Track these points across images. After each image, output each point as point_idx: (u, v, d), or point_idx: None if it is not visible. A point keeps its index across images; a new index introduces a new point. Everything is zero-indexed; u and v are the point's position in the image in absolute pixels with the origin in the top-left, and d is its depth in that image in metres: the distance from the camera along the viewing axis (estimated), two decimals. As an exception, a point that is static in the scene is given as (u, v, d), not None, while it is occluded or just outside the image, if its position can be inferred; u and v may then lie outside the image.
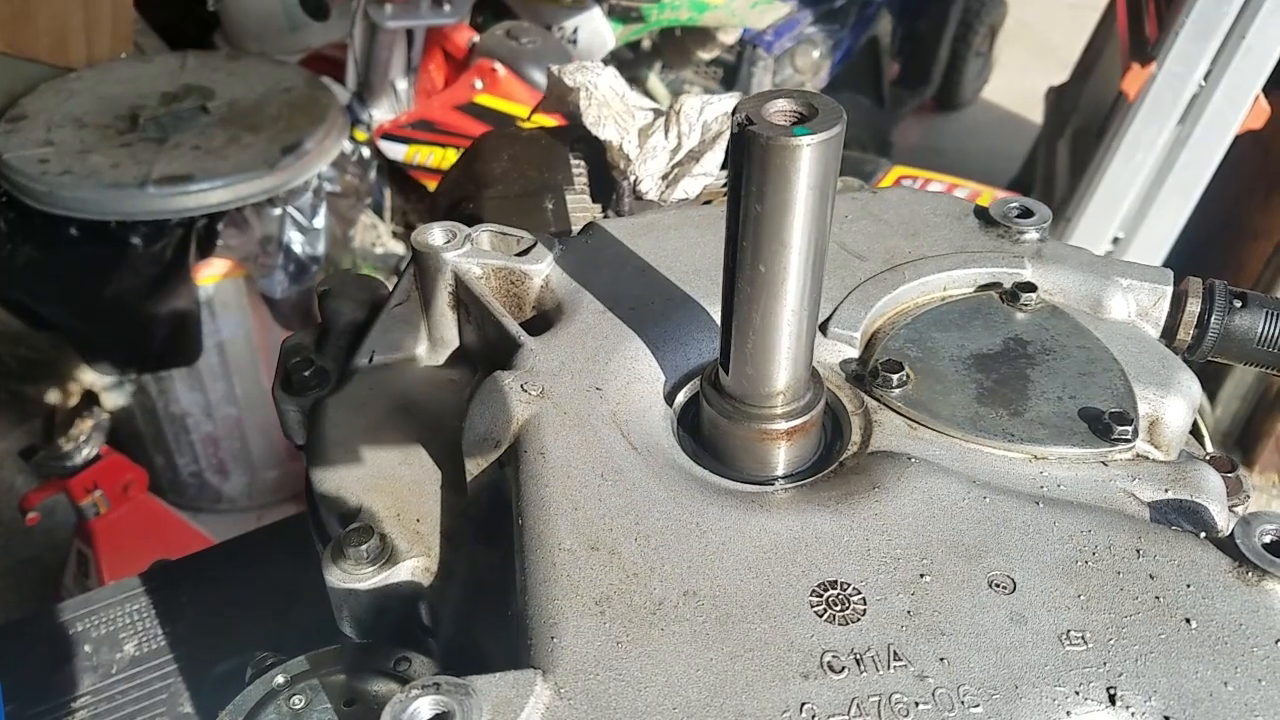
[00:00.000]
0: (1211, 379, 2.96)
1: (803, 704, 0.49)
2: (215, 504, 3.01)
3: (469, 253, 0.79)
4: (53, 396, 3.29)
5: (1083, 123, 3.35)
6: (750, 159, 0.53)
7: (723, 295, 0.61)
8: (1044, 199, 0.74)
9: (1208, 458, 0.70)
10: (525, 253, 0.80)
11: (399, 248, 3.21)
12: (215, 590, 1.36)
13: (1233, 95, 2.51)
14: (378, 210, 3.15)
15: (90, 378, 3.14)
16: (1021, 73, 4.75)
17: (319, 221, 2.71)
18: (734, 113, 0.54)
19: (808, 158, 0.52)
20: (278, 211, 2.62)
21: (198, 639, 1.29)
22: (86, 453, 2.63)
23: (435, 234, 0.80)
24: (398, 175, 3.06)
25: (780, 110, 0.54)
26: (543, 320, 0.79)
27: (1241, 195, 2.88)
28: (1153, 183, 2.69)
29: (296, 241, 2.69)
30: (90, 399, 3.05)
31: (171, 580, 1.38)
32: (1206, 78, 2.52)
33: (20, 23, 2.91)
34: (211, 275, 2.59)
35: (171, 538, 2.68)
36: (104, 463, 2.64)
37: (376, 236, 3.21)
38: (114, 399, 2.99)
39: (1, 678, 1.26)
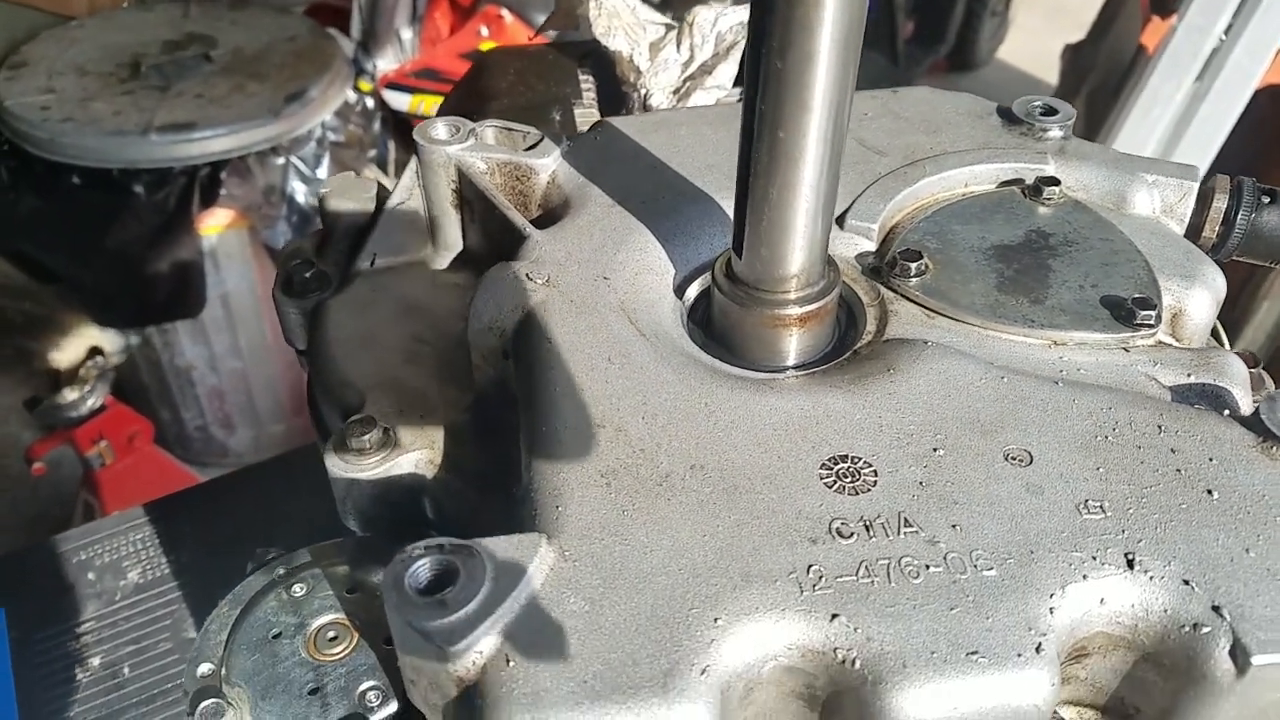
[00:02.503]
0: (1231, 329, 2.93)
1: (809, 566, 0.48)
2: (221, 458, 3.01)
3: (473, 147, 0.77)
4: (57, 352, 3.29)
5: (1099, 81, 3.29)
6: (772, 9, 0.51)
7: (738, 168, 0.59)
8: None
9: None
10: (532, 148, 0.78)
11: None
12: (217, 520, 1.36)
13: (1253, 49, 2.47)
14: (381, 163, 3.12)
15: (94, 331, 3.13)
16: (1036, 32, 4.67)
17: (322, 172, 2.69)
18: (753, -37, 0.52)
19: (832, 5, 0.50)
20: (281, 161, 2.59)
21: (200, 567, 1.30)
22: (91, 403, 2.63)
23: (439, 128, 0.78)
24: (402, 127, 3.02)
25: (800, -41, 0.51)
26: (549, 218, 0.77)
27: (1260, 151, 2.83)
28: (1171, 137, 2.65)
29: (300, 191, 2.66)
30: (94, 351, 3.05)
31: (174, 510, 1.38)
32: (1228, 31, 2.47)
33: (21, -30, 2.88)
34: (215, 225, 2.58)
35: (177, 489, 2.68)
36: (109, 413, 2.64)
37: (381, 190, 3.18)
38: (118, 352, 2.98)
39: (4, 604, 1.27)
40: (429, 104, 2.76)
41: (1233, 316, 2.90)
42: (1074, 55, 3.58)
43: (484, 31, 2.69)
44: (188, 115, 2.49)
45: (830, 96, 0.54)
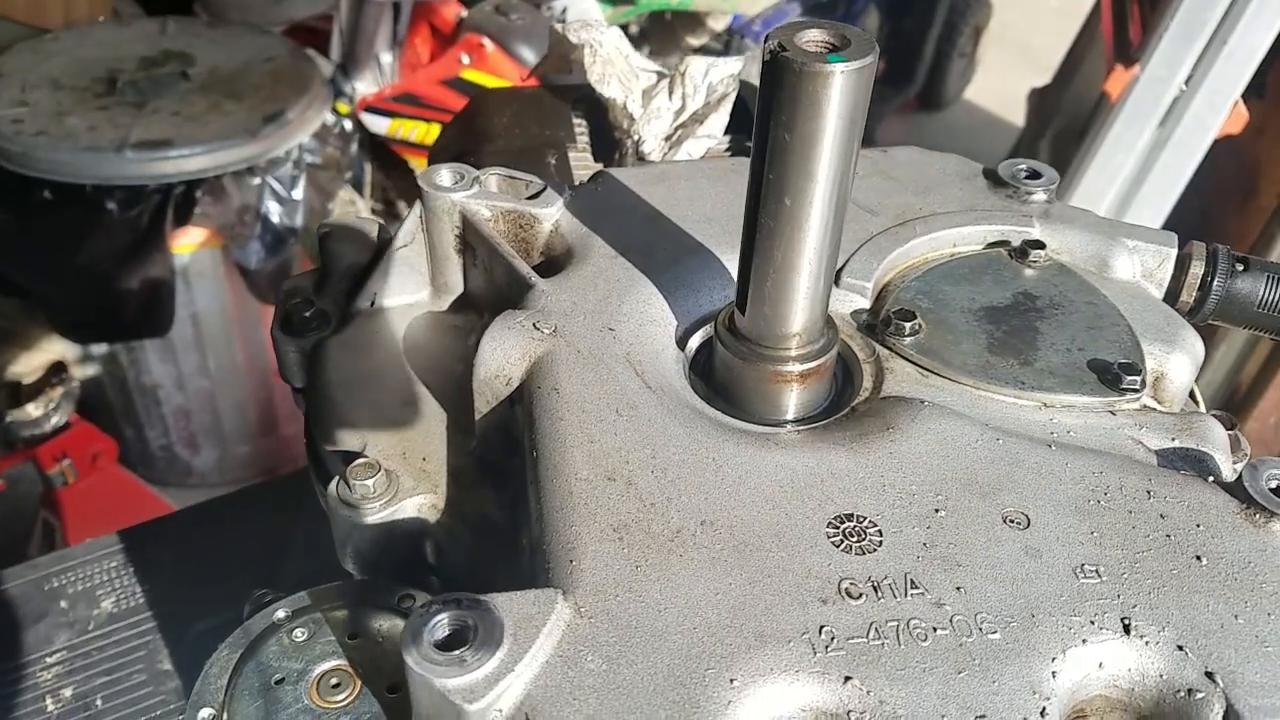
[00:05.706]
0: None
1: (821, 627, 0.49)
2: (185, 479, 2.96)
3: (477, 194, 0.78)
4: (20, 365, 3.21)
5: (1064, 125, 3.39)
6: (781, 87, 0.53)
7: (744, 231, 0.61)
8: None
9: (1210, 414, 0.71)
10: (535, 197, 0.80)
11: (378, 224, 3.17)
12: (195, 549, 1.34)
13: (1213, 99, 2.56)
14: (357, 186, 3.11)
15: (59, 347, 3.07)
16: (1004, 74, 4.80)
17: (298, 193, 2.68)
18: (765, 41, 0.54)
19: (839, 85, 0.52)
20: (257, 181, 2.58)
21: (176, 597, 1.28)
22: (56, 420, 2.59)
23: (443, 175, 0.79)
24: (379, 151, 3.02)
25: (813, 39, 0.54)
26: (551, 265, 0.79)
27: (1217, 200, 2.93)
28: (1131, 184, 2.74)
29: (275, 212, 2.65)
30: (59, 368, 2.99)
31: (149, 537, 1.36)
32: (1188, 81, 2.56)
33: (-4, -18, 2.85)
34: (188, 244, 2.55)
35: (140, 510, 2.63)
36: (73, 431, 2.59)
37: (355, 212, 3.17)
38: (83, 369, 2.93)
39: (-30, 633, 1.24)
40: (407, 128, 2.77)
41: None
42: (1040, 99, 3.69)
43: (465, 59, 2.70)
44: (164, 133, 2.47)
45: (835, 167, 0.56)
